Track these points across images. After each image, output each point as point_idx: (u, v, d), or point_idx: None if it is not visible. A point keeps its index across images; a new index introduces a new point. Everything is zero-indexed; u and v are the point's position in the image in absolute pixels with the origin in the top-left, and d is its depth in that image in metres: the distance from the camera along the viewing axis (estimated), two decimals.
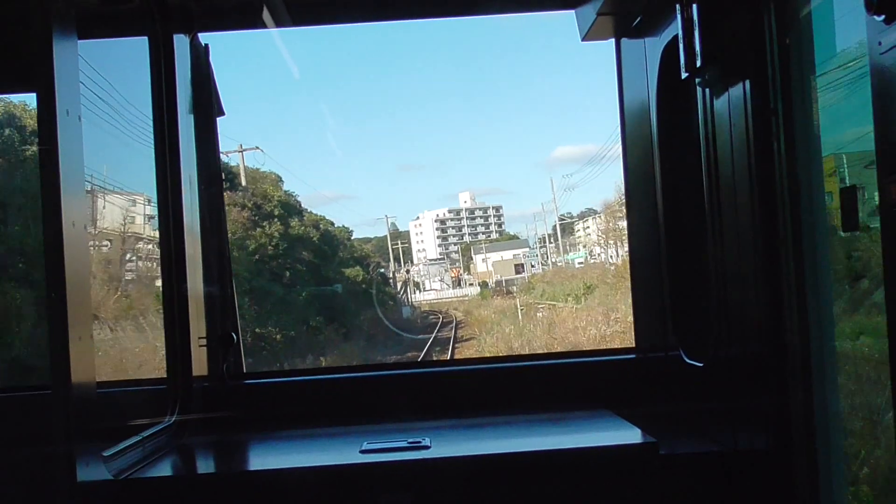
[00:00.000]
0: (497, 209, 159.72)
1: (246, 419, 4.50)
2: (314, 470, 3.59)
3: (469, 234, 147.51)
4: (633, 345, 4.74)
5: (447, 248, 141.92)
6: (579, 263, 69.69)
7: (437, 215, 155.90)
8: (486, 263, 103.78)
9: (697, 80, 3.48)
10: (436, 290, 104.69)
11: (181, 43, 4.51)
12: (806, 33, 2.99)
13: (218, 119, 4.83)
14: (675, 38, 3.54)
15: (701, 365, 3.82)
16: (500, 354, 23.31)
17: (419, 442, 3.70)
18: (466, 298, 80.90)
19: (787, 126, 3.00)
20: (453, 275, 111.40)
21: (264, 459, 4.19)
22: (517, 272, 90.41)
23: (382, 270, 66.12)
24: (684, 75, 3.49)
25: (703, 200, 3.60)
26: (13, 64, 4.28)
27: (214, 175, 4.79)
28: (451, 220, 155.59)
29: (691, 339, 4.01)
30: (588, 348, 20.06)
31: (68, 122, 3.04)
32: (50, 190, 2.97)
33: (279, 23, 4.69)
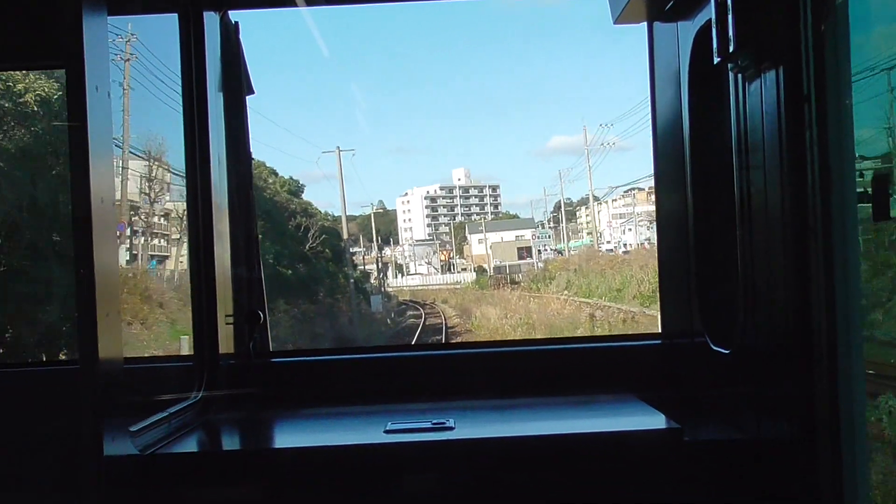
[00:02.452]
0: (494, 188, 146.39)
1: (271, 397, 4.53)
2: (338, 449, 3.62)
3: (462, 215, 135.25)
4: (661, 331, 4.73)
5: (437, 229, 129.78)
6: (608, 249, 61.79)
7: (428, 192, 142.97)
8: (484, 245, 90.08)
9: (730, 65, 3.44)
10: (421, 274, 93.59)
11: (211, 20, 4.52)
12: (842, 20, 2.94)
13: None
14: (709, 22, 3.49)
15: (727, 352, 3.80)
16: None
17: (443, 423, 3.71)
18: (458, 287, 66.49)
19: (820, 113, 2.96)
20: (442, 258, 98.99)
21: (289, 437, 4.22)
22: (521, 257, 79.18)
23: (353, 249, 52.47)
24: (717, 60, 3.45)
25: (733, 186, 3.57)
26: (44, 39, 4.30)
27: (243, 153, 4.81)
28: (443, 197, 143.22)
29: (718, 326, 3.99)
30: None
31: (97, 97, 3.05)
32: (79, 166, 2.99)
33: (310, 1, 4.68)
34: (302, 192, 44.52)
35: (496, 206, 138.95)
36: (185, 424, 3.99)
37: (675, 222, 4.45)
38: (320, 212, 47.29)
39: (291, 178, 44.69)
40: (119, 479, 3.23)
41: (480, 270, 77.33)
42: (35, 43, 4.44)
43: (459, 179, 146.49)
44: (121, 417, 3.30)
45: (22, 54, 4.77)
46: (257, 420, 4.39)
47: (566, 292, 37.01)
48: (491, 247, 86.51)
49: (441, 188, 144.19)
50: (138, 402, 3.69)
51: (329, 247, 41.50)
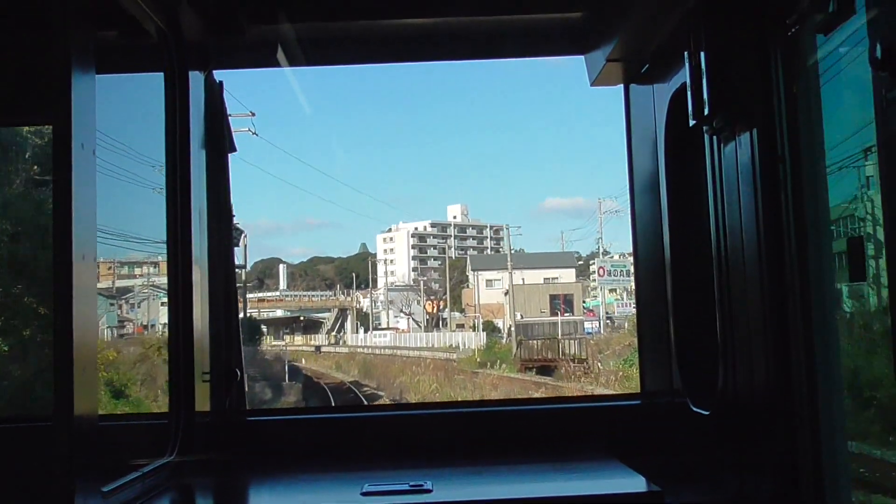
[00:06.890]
0: (496, 230, 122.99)
1: (247, 457, 4.47)
2: None
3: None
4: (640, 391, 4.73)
5: (424, 274, 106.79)
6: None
7: (416, 229, 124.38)
8: (508, 287, 58.27)
9: (705, 127, 3.51)
10: (396, 329, 72.01)
11: (196, 79, 4.56)
12: (813, 82, 3.02)
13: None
14: (684, 85, 3.57)
15: (707, 413, 3.80)
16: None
17: (421, 485, 3.67)
18: (454, 360, 44.07)
19: (795, 173, 3.02)
20: (429, 309, 77.39)
21: (264, 501, 4.16)
22: (554, 310, 55.71)
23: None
24: (692, 122, 3.51)
25: (711, 247, 3.61)
26: (31, 96, 4.32)
27: (224, 210, 4.82)
28: (435, 236, 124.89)
29: (698, 387, 3.99)
30: None
31: (83, 155, 3.06)
32: (61, 222, 2.98)
33: (293, 62, 4.75)
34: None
35: (497, 251, 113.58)
36: (158, 485, 3.93)
37: (653, 282, 4.48)
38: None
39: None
40: None
41: (490, 327, 53.86)
42: (23, 99, 4.46)
43: (455, 217, 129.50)
44: (93, 477, 3.24)
45: (8, 110, 4.79)
46: (232, 482, 4.33)
47: None
48: (509, 290, 57.95)
49: (433, 225, 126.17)
50: (111, 463, 3.64)
51: None
